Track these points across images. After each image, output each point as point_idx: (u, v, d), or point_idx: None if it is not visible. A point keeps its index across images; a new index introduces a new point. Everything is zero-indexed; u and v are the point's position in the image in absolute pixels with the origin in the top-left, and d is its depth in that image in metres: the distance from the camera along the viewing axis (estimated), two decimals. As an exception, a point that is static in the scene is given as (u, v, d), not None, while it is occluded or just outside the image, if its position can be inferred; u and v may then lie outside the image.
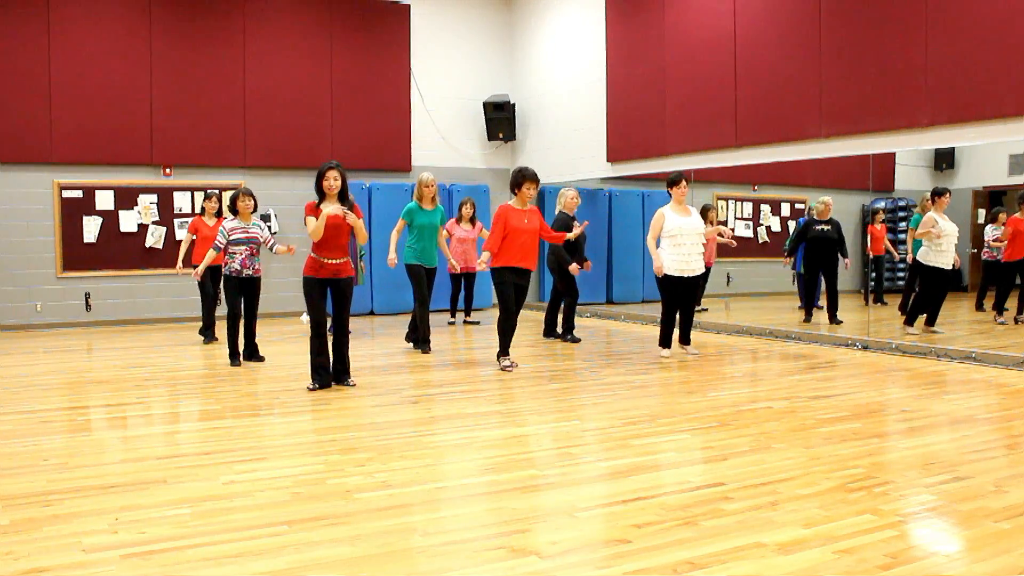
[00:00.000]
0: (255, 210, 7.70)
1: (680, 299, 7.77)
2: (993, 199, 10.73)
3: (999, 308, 9.40)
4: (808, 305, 10.26)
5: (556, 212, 8.99)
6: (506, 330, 7.20)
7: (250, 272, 7.52)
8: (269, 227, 7.64)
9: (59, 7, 10.46)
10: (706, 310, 11.00)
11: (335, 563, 2.97)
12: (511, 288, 7.13)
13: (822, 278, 10.00)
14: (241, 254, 7.46)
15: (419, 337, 8.24)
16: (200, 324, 9.26)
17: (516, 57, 13.31)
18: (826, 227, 9.86)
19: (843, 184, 11.38)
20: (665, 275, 7.64)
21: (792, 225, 12.56)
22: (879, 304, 10.96)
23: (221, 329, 8.53)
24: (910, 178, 11.39)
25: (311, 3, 11.84)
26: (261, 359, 7.69)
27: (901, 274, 11.54)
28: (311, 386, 6.27)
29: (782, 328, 9.34)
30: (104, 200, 10.80)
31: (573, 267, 8.68)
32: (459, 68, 13.01)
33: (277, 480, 3.98)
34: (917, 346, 7.93)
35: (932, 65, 7.62)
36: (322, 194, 6.25)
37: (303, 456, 4.43)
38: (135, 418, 5.60)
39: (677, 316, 7.88)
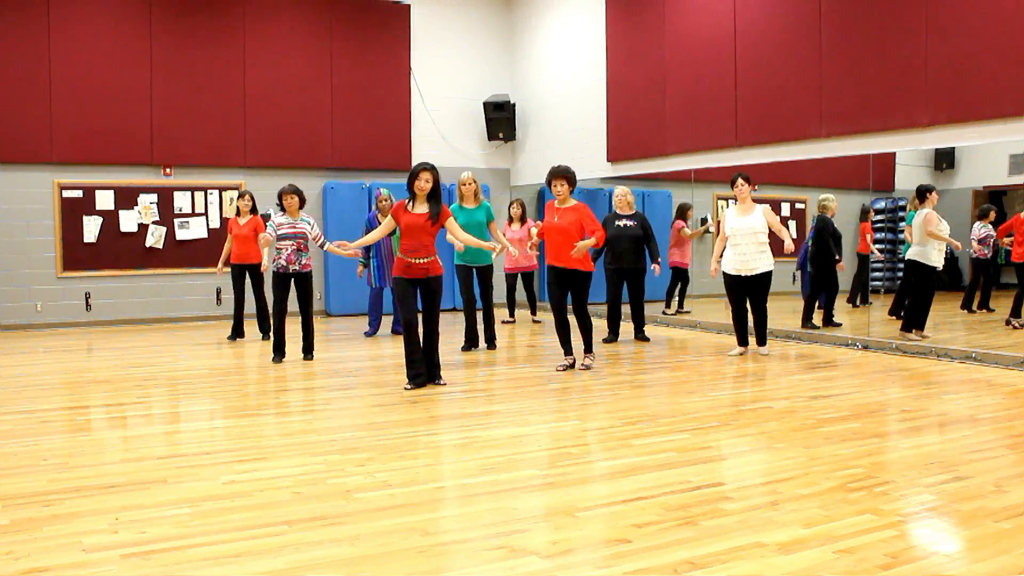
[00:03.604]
0: (302, 207, 7.69)
1: (750, 298, 7.77)
2: (993, 199, 10.72)
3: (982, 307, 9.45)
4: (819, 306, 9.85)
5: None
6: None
7: (297, 267, 7.54)
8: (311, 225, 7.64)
9: (59, 7, 10.46)
10: (689, 312, 11.08)
11: (335, 563, 2.97)
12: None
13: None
14: (287, 249, 7.50)
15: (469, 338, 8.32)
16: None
17: (516, 57, 13.31)
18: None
19: (843, 184, 11.37)
20: (724, 274, 7.69)
21: (794, 225, 12.56)
22: (867, 304, 11.00)
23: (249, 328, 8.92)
24: (910, 178, 11.38)
25: (311, 3, 11.84)
26: (310, 358, 7.67)
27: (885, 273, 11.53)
28: (407, 386, 6.22)
29: (782, 328, 9.33)
30: (104, 200, 10.81)
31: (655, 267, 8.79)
32: (459, 68, 13.01)
33: (277, 480, 3.97)
34: (918, 346, 7.93)
35: (932, 65, 7.62)
36: (413, 193, 6.24)
37: (303, 456, 4.43)
38: (135, 418, 5.60)
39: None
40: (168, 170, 11.15)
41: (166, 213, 11.11)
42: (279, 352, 7.61)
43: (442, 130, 12.87)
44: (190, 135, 11.15)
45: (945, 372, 7.01)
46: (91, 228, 10.75)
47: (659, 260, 8.85)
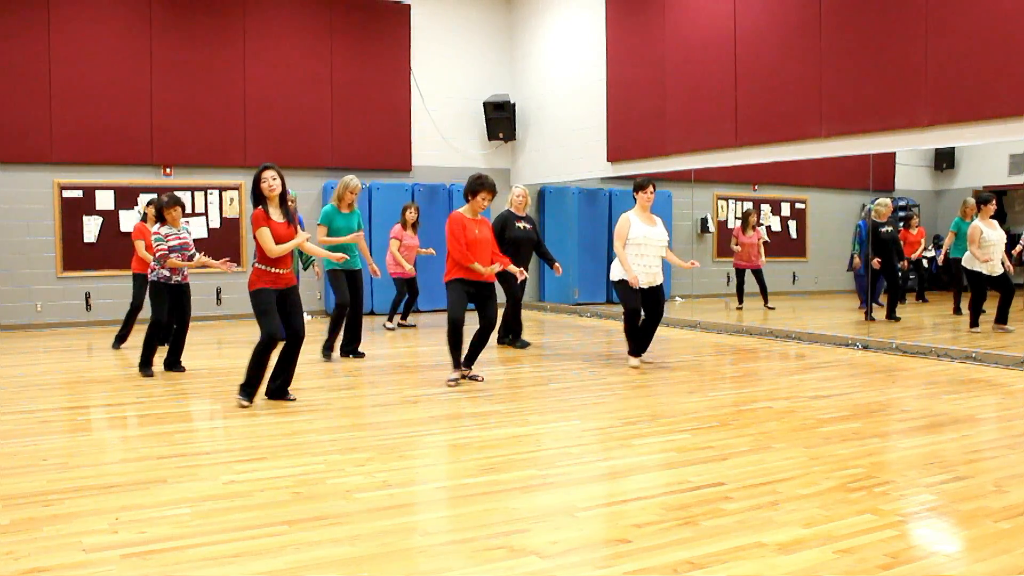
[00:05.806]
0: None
1: (646, 309, 7.14)
2: (993, 199, 10.72)
3: None
4: (870, 304, 9.82)
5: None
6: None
7: (179, 279, 7.07)
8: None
9: (59, 7, 10.45)
10: (773, 308, 11.24)
11: (335, 563, 2.97)
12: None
13: (882, 277, 9.92)
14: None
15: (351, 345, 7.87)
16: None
17: (516, 57, 13.31)
18: (889, 228, 9.78)
19: (843, 184, 11.38)
20: (626, 284, 6.99)
21: (793, 225, 12.57)
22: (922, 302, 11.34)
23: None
24: (910, 178, 11.40)
25: (311, 3, 11.84)
26: (182, 369, 7.18)
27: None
28: (246, 403, 5.66)
29: (781, 328, 9.34)
30: (104, 200, 10.80)
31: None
32: (459, 68, 13.00)
33: (277, 480, 3.97)
34: (918, 346, 7.93)
35: (932, 65, 7.62)
36: (261, 198, 5.63)
37: (303, 456, 4.43)
38: (135, 418, 5.60)
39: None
40: (168, 170, 11.15)
41: (166, 213, 11.09)
42: (148, 366, 7.07)
43: (442, 130, 12.87)
44: (190, 135, 11.14)
45: (945, 372, 7.01)
46: (91, 228, 10.75)
47: (557, 262, 8.28)
